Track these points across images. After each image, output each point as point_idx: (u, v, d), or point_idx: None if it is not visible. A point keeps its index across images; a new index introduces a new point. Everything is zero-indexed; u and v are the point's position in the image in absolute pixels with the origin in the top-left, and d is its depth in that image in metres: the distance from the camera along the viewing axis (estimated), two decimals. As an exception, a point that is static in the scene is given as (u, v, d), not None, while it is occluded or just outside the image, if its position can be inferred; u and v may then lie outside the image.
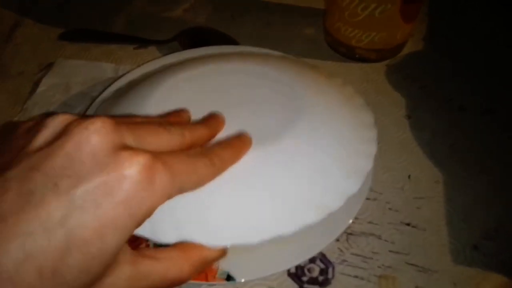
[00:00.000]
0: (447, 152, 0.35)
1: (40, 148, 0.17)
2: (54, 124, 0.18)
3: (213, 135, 0.24)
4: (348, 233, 0.30)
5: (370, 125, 0.28)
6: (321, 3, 0.47)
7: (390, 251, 0.29)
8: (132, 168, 0.17)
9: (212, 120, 0.25)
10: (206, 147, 0.22)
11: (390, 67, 0.42)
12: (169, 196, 0.18)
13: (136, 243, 0.25)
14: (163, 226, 0.21)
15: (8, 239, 0.15)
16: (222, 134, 0.24)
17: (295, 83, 0.29)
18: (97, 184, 0.16)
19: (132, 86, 0.32)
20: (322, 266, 0.28)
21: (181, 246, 0.21)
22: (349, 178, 0.25)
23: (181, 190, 0.19)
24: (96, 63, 0.43)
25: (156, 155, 0.18)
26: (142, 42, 0.44)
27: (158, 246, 0.21)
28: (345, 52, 0.43)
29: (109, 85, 0.35)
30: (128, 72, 0.37)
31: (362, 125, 0.28)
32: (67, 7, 0.50)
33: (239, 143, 0.24)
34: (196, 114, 0.25)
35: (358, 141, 0.27)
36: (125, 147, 0.18)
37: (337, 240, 0.29)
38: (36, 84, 0.41)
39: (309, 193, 0.23)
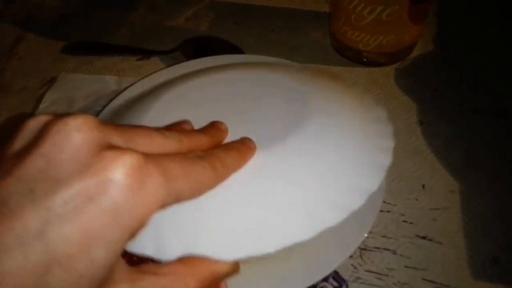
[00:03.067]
0: (462, 158, 0.34)
1: (17, 152, 0.15)
2: (34, 125, 0.16)
3: (215, 144, 0.22)
4: (362, 249, 0.29)
5: (385, 120, 0.26)
6: (326, 6, 0.46)
7: (406, 266, 0.28)
8: (118, 171, 0.15)
9: (214, 129, 0.22)
10: (207, 151, 0.20)
11: (399, 70, 0.41)
12: (164, 204, 0.16)
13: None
14: (166, 240, 0.19)
15: None
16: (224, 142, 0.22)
17: (302, 87, 0.27)
18: (79, 189, 0.14)
19: (132, 101, 0.31)
20: (336, 284, 0.27)
21: (187, 260, 0.18)
22: (369, 174, 0.22)
23: (178, 197, 0.17)
24: (99, 76, 0.42)
25: (148, 155, 0.16)
26: (144, 53, 0.44)
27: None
28: (352, 56, 0.42)
29: (110, 101, 0.34)
30: (129, 86, 0.36)
31: (377, 120, 0.26)
32: (69, 20, 0.49)
33: (243, 147, 0.21)
34: (198, 125, 0.23)
35: (375, 135, 0.25)
36: (111, 147, 0.16)
37: (351, 256, 0.28)
38: (39, 99, 0.40)
39: (326, 193, 0.21)
